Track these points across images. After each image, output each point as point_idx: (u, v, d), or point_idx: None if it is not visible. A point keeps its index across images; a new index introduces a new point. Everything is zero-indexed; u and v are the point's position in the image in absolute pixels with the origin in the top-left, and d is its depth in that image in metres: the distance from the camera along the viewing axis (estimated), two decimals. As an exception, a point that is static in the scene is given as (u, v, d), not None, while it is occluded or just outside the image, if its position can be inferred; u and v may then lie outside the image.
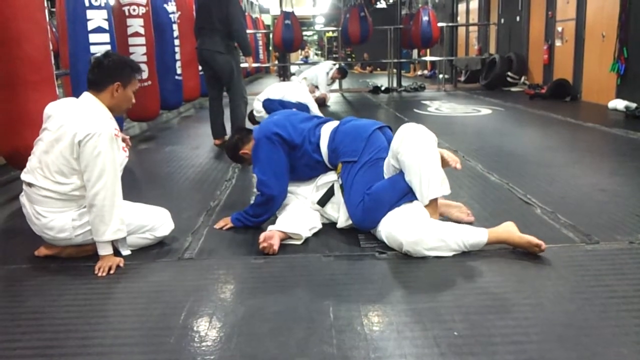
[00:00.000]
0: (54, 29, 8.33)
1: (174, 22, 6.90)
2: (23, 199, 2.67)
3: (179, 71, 6.99)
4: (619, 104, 7.24)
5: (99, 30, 4.83)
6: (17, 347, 1.92)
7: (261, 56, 17.56)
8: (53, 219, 2.57)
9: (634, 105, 6.93)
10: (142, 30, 6.08)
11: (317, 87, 8.98)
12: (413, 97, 10.61)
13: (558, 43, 9.72)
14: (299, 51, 19.76)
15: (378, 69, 20.49)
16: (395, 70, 12.48)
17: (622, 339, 1.85)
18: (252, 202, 3.18)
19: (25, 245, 2.83)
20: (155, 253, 2.74)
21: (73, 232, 2.59)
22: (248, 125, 5.81)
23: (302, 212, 2.94)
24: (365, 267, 2.53)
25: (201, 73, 6.79)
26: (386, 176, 2.83)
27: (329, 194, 3.01)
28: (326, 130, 3.03)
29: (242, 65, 5.95)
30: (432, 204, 2.71)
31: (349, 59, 21.66)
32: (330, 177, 3.03)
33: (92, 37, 4.81)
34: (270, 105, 5.81)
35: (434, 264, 2.48)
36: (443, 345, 1.83)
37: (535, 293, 2.19)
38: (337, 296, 2.22)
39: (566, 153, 5.01)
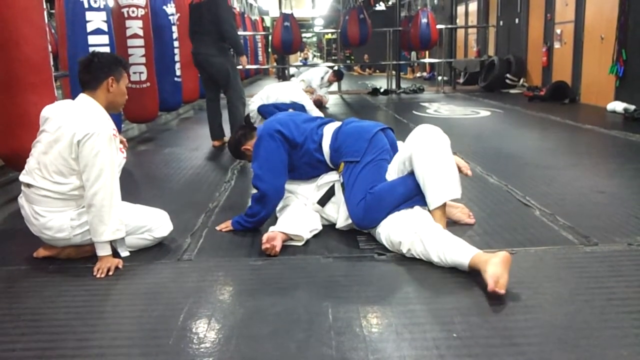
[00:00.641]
0: (53, 31, 8.33)
1: (173, 24, 6.90)
2: (21, 200, 2.66)
3: (178, 73, 6.99)
4: (618, 106, 7.25)
5: (98, 32, 4.83)
6: (16, 348, 1.92)
7: (260, 58, 17.58)
8: (51, 218, 2.57)
9: (632, 107, 6.94)
10: (141, 32, 6.08)
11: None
12: (412, 99, 10.61)
13: (557, 45, 9.73)
14: (298, 53, 19.77)
15: (377, 71, 20.51)
16: (394, 72, 12.49)
17: (622, 340, 1.85)
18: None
19: (24, 246, 2.82)
20: (154, 254, 2.74)
21: (71, 231, 2.59)
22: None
23: (302, 214, 2.94)
24: (364, 268, 2.53)
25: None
26: (389, 178, 2.83)
27: (330, 193, 3.01)
28: (329, 130, 3.04)
29: (239, 66, 5.97)
30: (440, 208, 2.70)
31: (348, 61, 21.69)
32: (331, 177, 3.03)
33: (91, 39, 4.81)
34: (265, 110, 5.80)
35: (432, 265, 2.48)
36: (442, 347, 1.83)
37: (534, 295, 2.19)
38: (336, 298, 2.22)
39: (565, 155, 5.02)
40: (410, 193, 2.73)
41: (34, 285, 2.46)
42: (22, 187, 2.65)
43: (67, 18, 4.85)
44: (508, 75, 11.12)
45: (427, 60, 16.19)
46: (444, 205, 2.72)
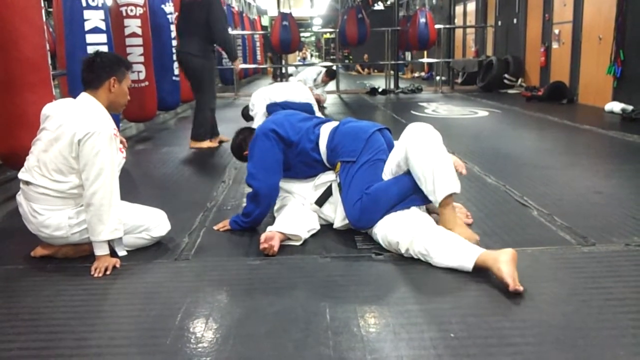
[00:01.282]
0: (50, 30, 8.32)
1: (172, 23, 6.89)
2: (20, 198, 2.66)
3: (176, 72, 6.98)
4: (616, 106, 7.26)
5: (96, 30, 4.82)
6: (14, 347, 1.92)
7: (258, 57, 17.57)
8: (49, 216, 2.57)
9: (630, 107, 6.95)
10: (139, 31, 6.07)
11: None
12: (410, 98, 10.62)
13: (555, 45, 9.75)
14: (297, 52, 19.77)
15: (375, 71, 20.52)
16: (392, 72, 12.50)
17: (619, 340, 1.85)
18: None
19: (21, 245, 2.82)
20: (152, 254, 2.74)
21: (69, 230, 2.58)
22: (240, 121, 5.82)
23: (300, 213, 2.94)
24: (362, 268, 2.53)
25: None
26: (385, 178, 2.83)
27: (327, 193, 3.02)
28: (325, 130, 3.04)
29: (231, 66, 5.95)
30: (448, 201, 2.66)
31: (347, 61, 21.69)
32: (328, 177, 3.03)
33: (89, 38, 4.80)
34: (273, 109, 5.80)
35: (430, 266, 2.48)
36: (440, 347, 1.83)
37: (532, 295, 2.19)
38: (333, 297, 2.22)
39: (563, 155, 5.03)
40: (406, 192, 2.73)
41: (31, 284, 2.46)
42: (21, 185, 2.65)
43: (65, 17, 4.84)
44: (506, 75, 11.14)
45: (425, 60, 16.20)
46: (451, 200, 2.68)
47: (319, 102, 8.92)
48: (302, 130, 3.03)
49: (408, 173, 2.76)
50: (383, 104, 9.95)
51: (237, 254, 2.75)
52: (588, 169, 4.43)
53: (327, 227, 3.01)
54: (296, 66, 15.47)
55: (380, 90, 11.74)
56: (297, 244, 2.80)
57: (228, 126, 6.04)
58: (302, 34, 14.35)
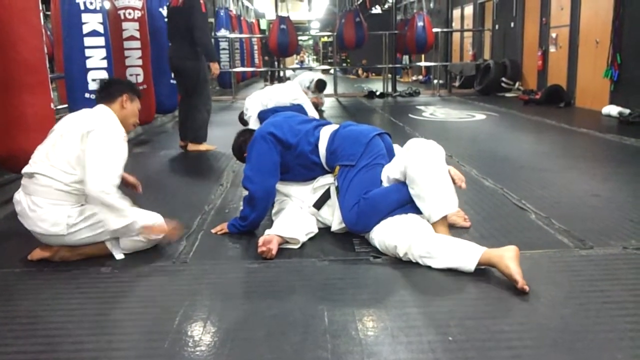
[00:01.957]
0: (48, 32, 8.31)
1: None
2: (18, 194, 2.68)
3: (173, 75, 6.98)
4: (613, 109, 7.28)
5: (94, 33, 4.82)
6: (11, 351, 1.91)
7: (256, 61, 17.58)
8: (48, 210, 2.58)
9: (627, 111, 6.97)
10: (137, 34, 6.07)
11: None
12: (408, 102, 10.64)
13: (552, 49, 9.77)
14: (294, 56, 19.79)
15: (373, 74, 20.55)
16: (390, 75, 12.52)
17: (617, 343, 1.86)
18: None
19: (19, 248, 2.81)
20: (150, 257, 2.73)
21: (66, 229, 2.59)
22: (238, 125, 5.82)
23: (298, 217, 2.94)
24: (359, 271, 2.53)
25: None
26: (384, 184, 2.83)
27: (325, 196, 3.01)
28: (325, 133, 3.04)
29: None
30: (442, 220, 2.68)
31: (344, 64, 21.72)
32: (327, 180, 3.03)
33: (87, 41, 4.80)
34: (265, 116, 5.80)
35: (428, 269, 2.48)
36: (438, 351, 1.83)
37: (530, 298, 2.19)
38: (332, 301, 2.22)
39: (560, 158, 5.03)
40: (405, 200, 2.72)
41: (28, 287, 2.45)
42: (23, 180, 2.68)
43: (63, 19, 4.85)
44: (503, 78, 11.16)
45: (422, 63, 16.22)
46: (445, 219, 2.70)
47: (317, 105, 8.92)
48: (302, 133, 3.03)
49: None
50: (381, 108, 9.96)
51: (235, 257, 2.75)
52: (585, 172, 4.44)
53: (325, 230, 3.01)
54: (294, 69, 15.47)
55: (378, 93, 11.76)
56: (295, 247, 2.80)
57: (226, 129, 6.04)
58: (299, 38, 14.37)
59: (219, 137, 5.93)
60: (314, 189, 3.06)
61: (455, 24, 14.95)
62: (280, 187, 3.09)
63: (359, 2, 13.21)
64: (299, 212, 2.99)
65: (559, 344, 1.86)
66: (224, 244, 2.93)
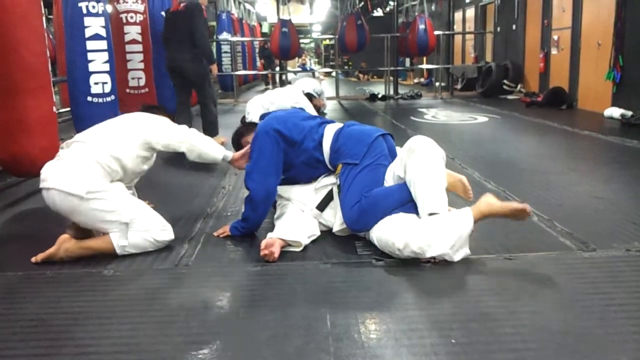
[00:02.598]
0: (51, 36, 8.34)
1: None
2: (48, 165, 2.76)
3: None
4: (615, 112, 7.28)
5: (96, 37, 4.83)
6: (15, 354, 1.91)
7: (258, 64, 17.60)
8: (78, 168, 2.68)
9: (629, 113, 6.97)
10: (139, 38, 6.10)
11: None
12: (410, 104, 10.64)
13: (554, 51, 9.77)
14: (296, 59, 19.82)
15: (374, 77, 20.56)
16: (392, 78, 12.52)
17: (620, 346, 1.85)
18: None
19: (22, 252, 2.82)
20: (152, 260, 2.74)
21: (85, 189, 2.63)
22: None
23: (300, 220, 2.93)
24: (362, 274, 2.53)
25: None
26: (387, 184, 2.83)
27: (328, 198, 3.01)
28: (330, 130, 3.04)
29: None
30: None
31: (346, 67, 21.74)
32: (329, 180, 3.03)
33: (90, 44, 4.81)
34: None
35: (430, 271, 2.48)
36: (441, 353, 1.83)
37: (533, 301, 2.19)
38: (334, 303, 2.22)
39: (562, 161, 5.03)
40: (406, 199, 2.72)
41: (31, 291, 2.45)
42: (60, 151, 2.83)
43: (65, 23, 4.86)
44: (505, 81, 11.16)
45: (424, 66, 16.24)
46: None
47: (319, 107, 8.91)
48: (306, 129, 3.03)
49: None
50: (383, 110, 9.96)
51: (238, 261, 2.75)
52: (588, 174, 4.43)
53: (327, 233, 3.01)
54: (295, 72, 15.47)
55: (379, 96, 11.76)
56: (298, 250, 2.80)
57: (228, 132, 6.03)
58: (301, 41, 14.39)
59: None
60: (316, 190, 3.05)
61: (457, 27, 14.97)
62: (281, 191, 3.08)
63: (360, 5, 13.22)
64: (301, 215, 2.99)
65: (562, 347, 1.85)
66: (226, 247, 2.93)
